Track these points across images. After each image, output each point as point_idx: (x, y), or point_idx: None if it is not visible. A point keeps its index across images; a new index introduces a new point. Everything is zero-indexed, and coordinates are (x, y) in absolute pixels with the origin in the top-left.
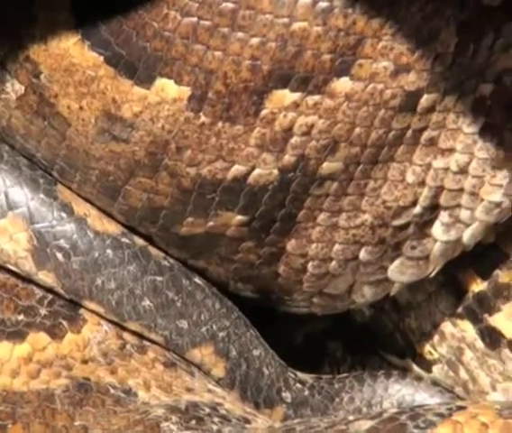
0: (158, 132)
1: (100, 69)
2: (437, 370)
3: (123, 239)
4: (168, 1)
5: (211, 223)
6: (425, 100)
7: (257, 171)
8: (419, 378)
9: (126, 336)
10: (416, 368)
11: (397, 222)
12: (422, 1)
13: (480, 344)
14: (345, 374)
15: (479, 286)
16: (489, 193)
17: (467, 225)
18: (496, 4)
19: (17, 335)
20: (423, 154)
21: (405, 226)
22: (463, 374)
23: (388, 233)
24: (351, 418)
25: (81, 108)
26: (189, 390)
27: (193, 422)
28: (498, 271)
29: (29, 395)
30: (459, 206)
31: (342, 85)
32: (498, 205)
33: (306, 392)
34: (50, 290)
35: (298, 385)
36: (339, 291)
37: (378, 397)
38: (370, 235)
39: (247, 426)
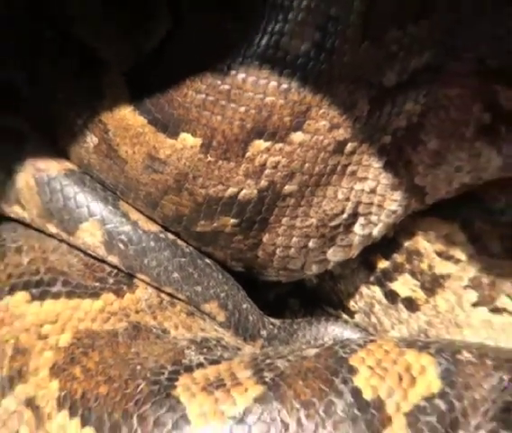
0: (181, 167)
1: (145, 127)
2: (358, 317)
3: (161, 235)
4: (187, 85)
5: (215, 224)
6: (349, 146)
7: (243, 192)
8: (346, 322)
9: (163, 295)
10: (344, 316)
11: (332, 223)
12: (347, 83)
13: (384, 300)
14: (300, 320)
15: (384, 264)
16: (389, 205)
17: (375, 225)
18: (392, 85)
19: (95, 295)
20: (348, 181)
21: (337, 226)
22: (373, 319)
23: (326, 230)
24: (303, 347)
25: (134, 152)
26: (202, 329)
27: (204, 350)
28: (395, 255)
29: (102, 333)
30: (370, 213)
31: (297, 137)
32: (394, 212)
33: (276, 331)
34: (115, 266)
35: (271, 326)
36: (296, 267)
37: (321, 334)
38: (315, 232)
39: (239, 352)
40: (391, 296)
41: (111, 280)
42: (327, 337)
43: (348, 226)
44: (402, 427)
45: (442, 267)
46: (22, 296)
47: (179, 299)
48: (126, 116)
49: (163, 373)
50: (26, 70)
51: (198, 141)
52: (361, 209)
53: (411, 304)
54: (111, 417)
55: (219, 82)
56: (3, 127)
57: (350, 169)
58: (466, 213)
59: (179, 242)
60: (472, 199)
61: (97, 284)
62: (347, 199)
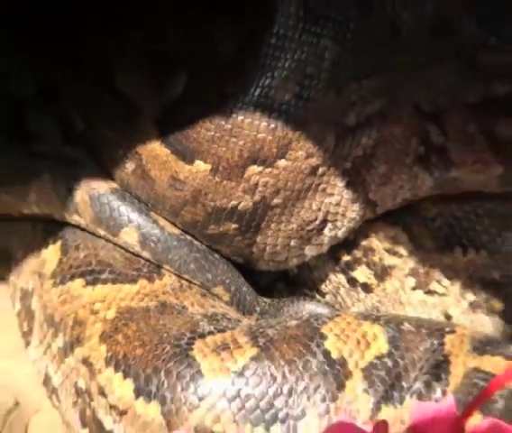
0: (196, 185)
1: (169, 156)
2: (327, 297)
3: (181, 236)
4: (200, 124)
5: (221, 228)
6: (320, 170)
7: (242, 204)
8: (319, 301)
9: (183, 281)
10: (317, 296)
11: (308, 228)
12: (319, 123)
13: (347, 285)
14: (285, 299)
15: (346, 257)
16: (350, 214)
17: (340, 229)
18: (352, 125)
19: (133, 281)
20: (319, 196)
21: (312, 230)
22: (339, 299)
23: (304, 233)
24: (287, 319)
25: (161, 175)
26: (212, 306)
27: (214, 322)
28: (355, 251)
29: (138, 309)
30: (336, 220)
31: (282, 163)
32: (353, 219)
33: (267, 307)
34: (147, 260)
35: (263, 304)
36: (281, 260)
37: (300, 310)
38: (295, 234)
39: (239, 323)
40: (352, 281)
41: (144, 270)
42: (305, 312)
43: (320, 230)
44: (360, 379)
45: (389, 260)
46: (79, 282)
47: (195, 284)
48: (155, 148)
49: (183, 339)
50: (82, 114)
51: (208, 166)
52: (329, 217)
53: (366, 288)
54: (145, 371)
55: (223, 122)
56: (65, 155)
57: (321, 187)
58: (407, 220)
59: (195, 241)
60: (411, 210)
61: (135, 273)
62: (319, 210)
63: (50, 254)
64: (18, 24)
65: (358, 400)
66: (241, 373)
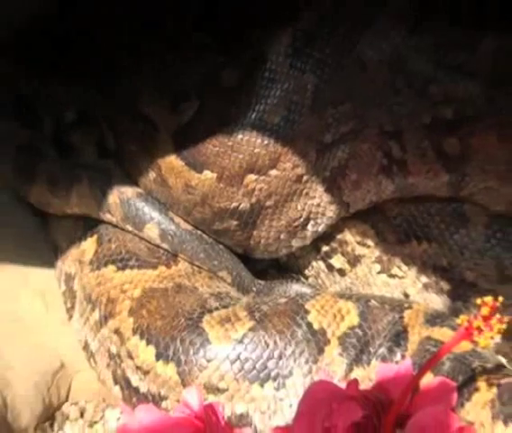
0: (204, 191)
1: (183, 167)
2: (310, 279)
3: (193, 231)
4: (208, 141)
5: (225, 225)
6: (304, 178)
7: (241, 205)
8: (303, 282)
9: (194, 267)
10: (302, 279)
11: (295, 224)
12: (303, 140)
13: (326, 270)
14: (276, 281)
15: (325, 248)
16: (328, 213)
17: (320, 225)
18: (329, 142)
19: (154, 267)
20: (304, 199)
21: (297, 226)
22: (320, 281)
23: (291, 228)
24: (278, 298)
25: (176, 183)
26: (218, 287)
27: (219, 299)
28: (332, 243)
29: (158, 289)
30: (317, 218)
31: (273, 172)
32: (331, 217)
33: (261, 288)
34: (166, 250)
35: (258, 285)
36: (273, 250)
37: (288, 290)
38: (284, 230)
39: (239, 301)
40: (330, 267)
41: (163, 258)
42: (292, 292)
43: (304, 226)
44: (336, 345)
45: (359, 250)
46: (111, 267)
47: (204, 269)
48: (172, 161)
49: (194, 313)
50: (113, 134)
51: (214, 175)
52: (311, 216)
53: (341, 272)
54: (164, 339)
55: (226, 140)
56: (100, 167)
57: (304, 191)
58: (374, 218)
59: (204, 235)
60: (377, 210)
61: (155, 260)
62: (303, 210)
63: (88, 245)
64: (63, 65)
65: (334, 363)
66: (240, 341)
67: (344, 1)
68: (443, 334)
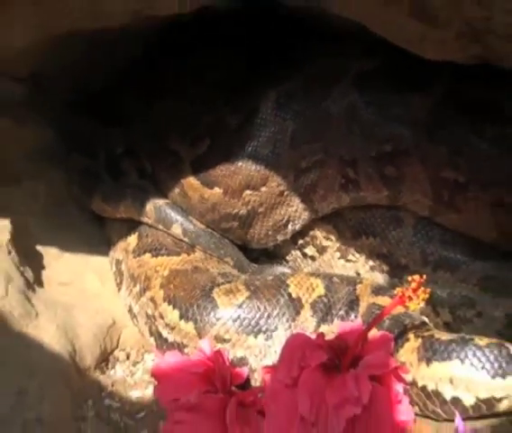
0: (214, 201)
1: (199, 185)
2: (290, 263)
3: (206, 229)
4: (218, 167)
5: (229, 225)
6: (285, 193)
7: (241, 211)
8: (285, 266)
9: (206, 254)
10: (284, 263)
11: (279, 224)
12: (284, 168)
13: (301, 257)
14: (265, 265)
15: (300, 241)
16: (303, 216)
17: (297, 225)
18: (304, 168)
19: (178, 254)
20: (285, 207)
21: (280, 226)
22: (297, 265)
23: (276, 227)
24: (267, 276)
25: (194, 195)
26: (223, 268)
27: (224, 277)
28: (306, 237)
29: (181, 270)
30: (295, 220)
31: (264, 188)
32: (305, 219)
33: (255, 269)
34: (186, 243)
35: (253, 267)
36: (264, 243)
37: (274, 271)
38: (271, 228)
39: (239, 278)
40: (304, 255)
41: (184, 248)
42: (277, 272)
43: (285, 226)
44: (308, 309)
45: (325, 243)
46: (148, 255)
47: (214, 256)
48: (191, 181)
49: (207, 286)
50: (149, 161)
51: (221, 190)
52: (290, 219)
53: (312, 258)
54: (185, 305)
55: (230, 166)
56: (140, 185)
57: (286, 202)
58: (335, 220)
59: (213, 232)
60: (338, 214)
61: (179, 250)
62: (285, 214)
63: (132, 240)
64: (116, 116)
65: (307, 321)
66: (240, 306)
67: (315, 74)
68: (384, 301)
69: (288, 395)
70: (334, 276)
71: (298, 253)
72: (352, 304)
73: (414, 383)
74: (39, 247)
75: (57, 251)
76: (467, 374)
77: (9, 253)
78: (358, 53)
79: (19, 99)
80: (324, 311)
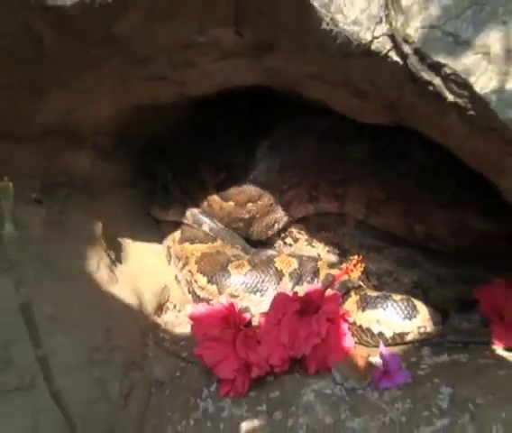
0: (229, 211)
1: (220, 200)
2: (276, 248)
3: (224, 228)
4: (232, 188)
5: (237, 225)
6: (273, 205)
7: (245, 216)
8: (273, 250)
9: (224, 243)
10: (272, 248)
11: (269, 224)
12: (273, 189)
13: (283, 245)
14: (261, 249)
15: (282, 234)
16: (284, 219)
17: (280, 224)
18: (286, 188)
19: (206, 242)
20: (273, 214)
21: (270, 226)
22: (281, 249)
23: (268, 227)
24: (261, 257)
25: (216, 207)
26: (235, 251)
27: (235, 257)
28: (286, 232)
29: (208, 252)
30: (279, 222)
31: (260, 202)
32: (285, 221)
33: (254, 252)
34: (211, 236)
35: (253, 250)
36: (260, 236)
37: (266, 253)
38: (264, 227)
39: (244, 257)
40: (284, 243)
41: (210, 239)
42: (268, 254)
43: (273, 225)
44: (287, 277)
45: (298, 235)
46: (187, 243)
47: (229, 244)
48: (215, 198)
49: (224, 263)
50: (188, 183)
51: (233, 203)
52: (276, 221)
53: (290, 245)
54: (211, 274)
55: (239, 188)
56: (181, 199)
57: (273, 210)
58: (304, 221)
59: (229, 230)
60: (306, 218)
61: (206, 240)
62: (273, 218)
63: (177, 233)
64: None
65: (286, 285)
66: (245, 275)
67: (293, 128)
68: (335, 272)
69: (275, 331)
70: (304, 256)
71: (281, 242)
72: (315, 274)
73: (354, 323)
74: (119, 238)
75: (130, 241)
76: (387, 317)
77: (101, 241)
78: (318, 118)
79: (107, 148)
80: (297, 278)
